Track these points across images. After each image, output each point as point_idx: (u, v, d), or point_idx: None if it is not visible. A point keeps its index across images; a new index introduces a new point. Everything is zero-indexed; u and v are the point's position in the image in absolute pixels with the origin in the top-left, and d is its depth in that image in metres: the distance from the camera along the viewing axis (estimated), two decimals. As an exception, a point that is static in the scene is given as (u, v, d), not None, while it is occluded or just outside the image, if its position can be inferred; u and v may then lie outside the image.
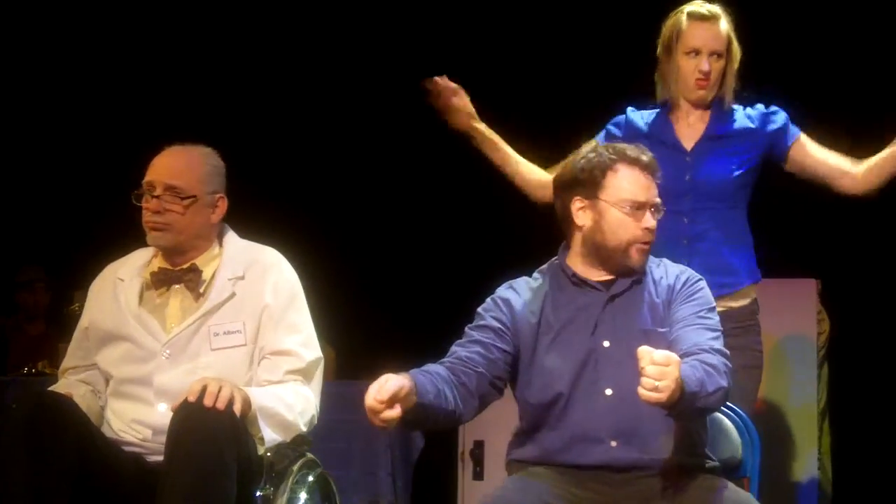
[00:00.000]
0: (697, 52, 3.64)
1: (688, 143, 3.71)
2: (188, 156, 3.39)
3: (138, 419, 3.29)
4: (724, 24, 3.66)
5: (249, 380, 3.32)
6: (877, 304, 5.59)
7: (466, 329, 3.19)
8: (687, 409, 2.84)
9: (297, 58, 6.38)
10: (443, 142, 6.07)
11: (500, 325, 3.15)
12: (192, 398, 3.06)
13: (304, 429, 3.33)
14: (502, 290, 3.23)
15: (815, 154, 3.72)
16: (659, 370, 2.73)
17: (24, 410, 3.09)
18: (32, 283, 6.54)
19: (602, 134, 3.83)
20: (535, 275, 3.26)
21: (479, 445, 5.39)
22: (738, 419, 3.28)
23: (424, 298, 6.14)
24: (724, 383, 2.94)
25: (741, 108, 3.75)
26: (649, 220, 3.12)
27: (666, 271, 3.20)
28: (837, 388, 5.23)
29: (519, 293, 3.21)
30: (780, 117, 3.73)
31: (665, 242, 3.40)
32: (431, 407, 2.96)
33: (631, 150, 3.17)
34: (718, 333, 3.08)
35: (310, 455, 3.42)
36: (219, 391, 3.08)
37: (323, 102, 6.37)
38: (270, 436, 3.23)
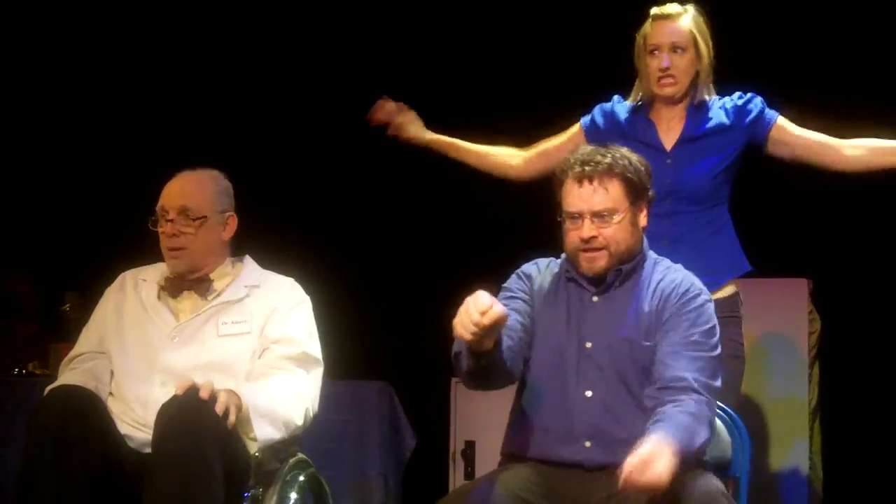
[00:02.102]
0: (658, 50, 3.74)
1: (668, 144, 3.79)
2: (197, 179, 3.56)
3: (139, 396, 3.36)
4: (687, 21, 3.76)
5: (249, 371, 3.38)
6: (868, 304, 5.59)
7: None
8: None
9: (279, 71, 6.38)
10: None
11: (525, 297, 3.17)
12: (180, 391, 3.13)
13: (300, 422, 3.37)
14: (527, 266, 3.26)
15: (795, 136, 3.78)
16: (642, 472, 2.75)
17: (54, 406, 3.17)
18: (21, 292, 6.48)
19: (588, 118, 3.92)
20: (557, 261, 3.26)
21: (470, 446, 5.39)
22: (727, 418, 3.28)
23: (418, 298, 6.13)
24: (705, 434, 2.96)
25: (717, 100, 3.81)
26: (585, 230, 3.09)
27: (665, 276, 3.16)
28: (828, 388, 5.23)
29: (540, 272, 3.22)
30: (755, 105, 3.79)
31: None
32: (503, 359, 2.97)
33: (579, 157, 3.14)
34: (708, 362, 3.03)
35: (301, 455, 3.42)
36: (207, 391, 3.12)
37: (313, 110, 6.37)
38: (264, 434, 3.26)
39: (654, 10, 3.79)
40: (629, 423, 3.01)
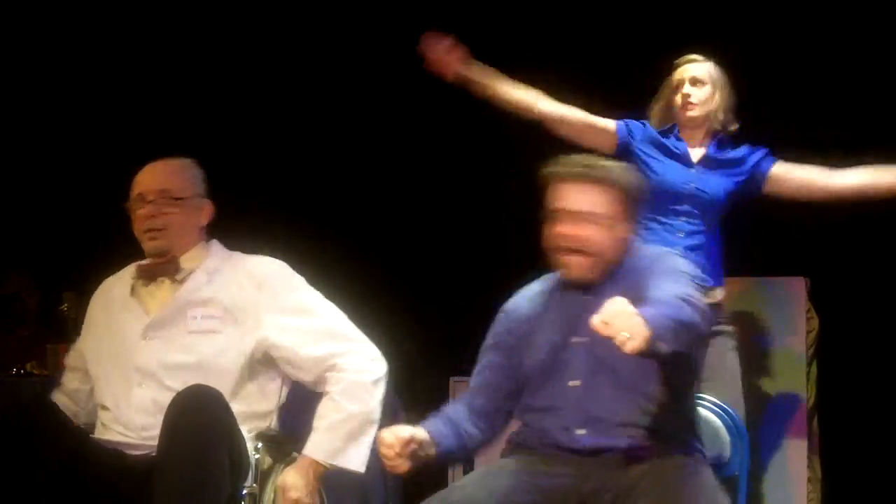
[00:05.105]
0: (681, 85, 4.29)
1: (694, 159, 4.26)
2: (174, 163, 3.55)
3: (117, 398, 3.34)
4: (705, 65, 4.30)
5: (229, 364, 3.34)
6: (866, 303, 5.59)
7: (480, 354, 3.30)
8: (668, 347, 2.75)
9: (284, 62, 6.38)
10: (444, 144, 6.12)
11: (508, 340, 3.24)
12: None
13: (380, 400, 3.40)
14: (509, 302, 3.32)
15: (789, 177, 4.23)
16: (613, 319, 2.70)
17: (6, 416, 3.16)
18: (20, 294, 6.48)
19: (623, 123, 4.29)
20: (547, 276, 3.30)
21: (469, 446, 5.37)
22: (726, 417, 3.29)
23: (417, 296, 6.14)
24: (693, 313, 2.86)
25: (732, 144, 4.29)
26: (562, 227, 3.13)
27: (643, 255, 3.20)
28: (826, 387, 5.23)
29: (525, 298, 3.28)
30: (761, 151, 4.27)
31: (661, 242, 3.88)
32: (452, 449, 3.17)
33: (574, 158, 3.24)
34: (691, 285, 3.00)
35: (295, 454, 3.42)
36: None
37: (311, 102, 6.37)
38: (359, 460, 3.37)
39: (680, 59, 4.33)
40: (618, 407, 3.04)
